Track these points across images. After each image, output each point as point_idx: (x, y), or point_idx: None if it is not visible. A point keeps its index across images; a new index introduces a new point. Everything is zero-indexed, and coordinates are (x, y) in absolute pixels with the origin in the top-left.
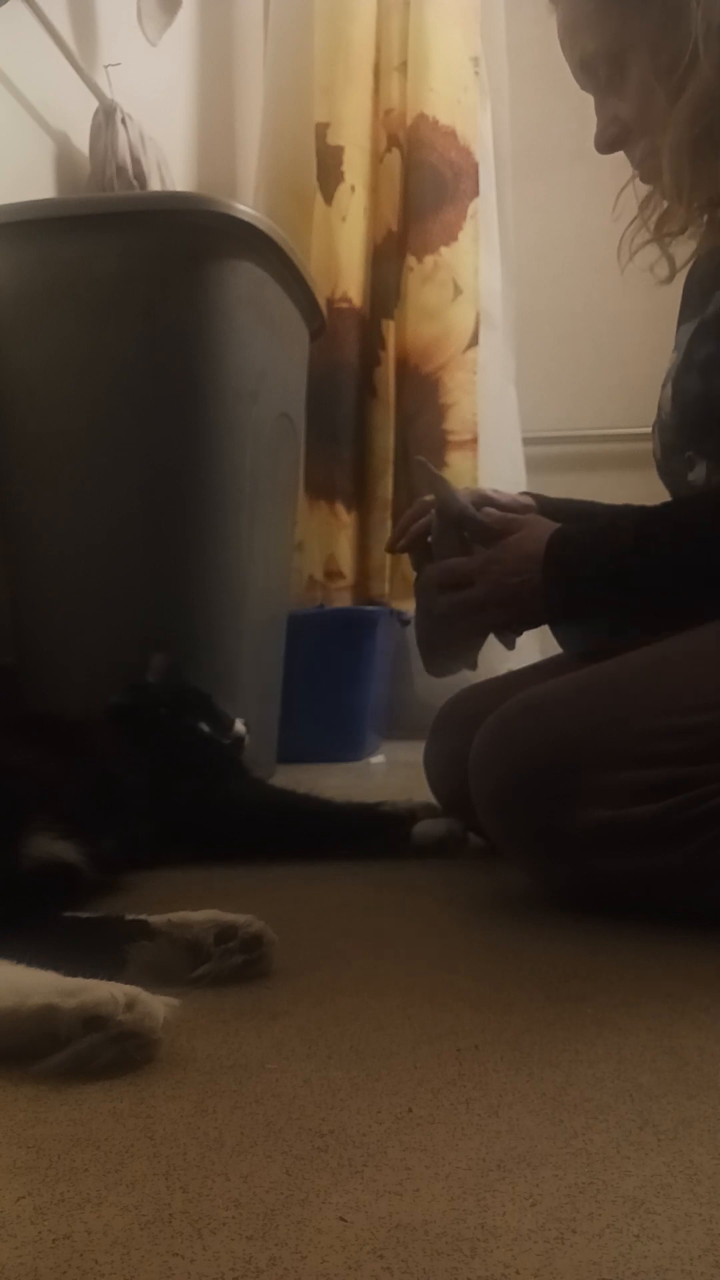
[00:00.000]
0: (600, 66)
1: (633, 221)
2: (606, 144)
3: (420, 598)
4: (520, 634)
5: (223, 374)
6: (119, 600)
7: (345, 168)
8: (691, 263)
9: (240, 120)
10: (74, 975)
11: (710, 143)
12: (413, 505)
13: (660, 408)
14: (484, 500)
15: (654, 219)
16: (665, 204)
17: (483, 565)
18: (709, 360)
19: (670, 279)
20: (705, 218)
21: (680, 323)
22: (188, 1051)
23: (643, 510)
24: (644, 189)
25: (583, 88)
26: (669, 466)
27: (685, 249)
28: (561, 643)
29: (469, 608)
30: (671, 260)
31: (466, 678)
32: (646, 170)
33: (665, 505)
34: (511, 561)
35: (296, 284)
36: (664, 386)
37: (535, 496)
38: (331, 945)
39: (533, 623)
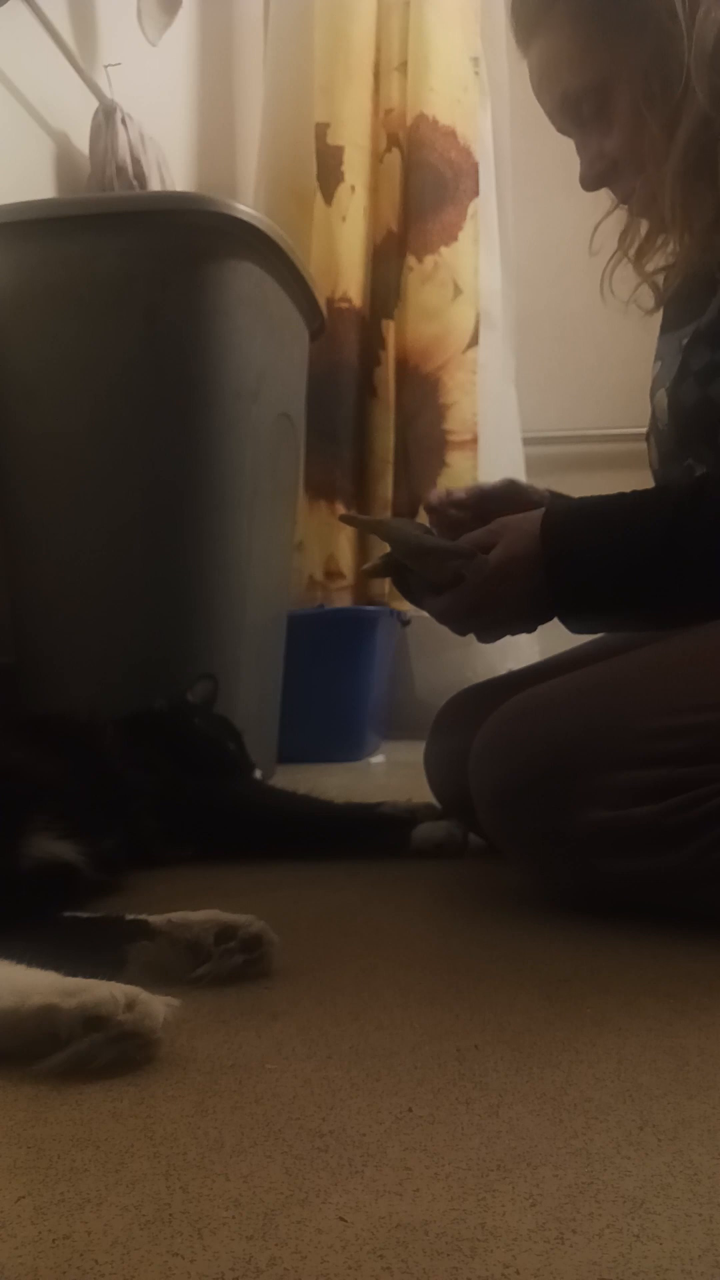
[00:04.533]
0: (584, 103)
1: (614, 255)
2: (594, 180)
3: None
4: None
5: (223, 374)
6: (119, 600)
7: (345, 168)
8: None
9: (240, 120)
10: (74, 975)
11: (702, 171)
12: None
13: (654, 417)
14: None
15: (633, 250)
16: (644, 233)
17: (486, 578)
18: (706, 369)
19: (657, 308)
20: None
21: (663, 332)
22: (188, 1051)
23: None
24: (620, 221)
25: (561, 130)
26: (667, 474)
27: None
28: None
29: (462, 610)
30: (656, 288)
31: (466, 677)
32: (639, 202)
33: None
34: (507, 554)
35: (296, 284)
36: (653, 395)
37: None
38: (331, 945)
39: (530, 606)
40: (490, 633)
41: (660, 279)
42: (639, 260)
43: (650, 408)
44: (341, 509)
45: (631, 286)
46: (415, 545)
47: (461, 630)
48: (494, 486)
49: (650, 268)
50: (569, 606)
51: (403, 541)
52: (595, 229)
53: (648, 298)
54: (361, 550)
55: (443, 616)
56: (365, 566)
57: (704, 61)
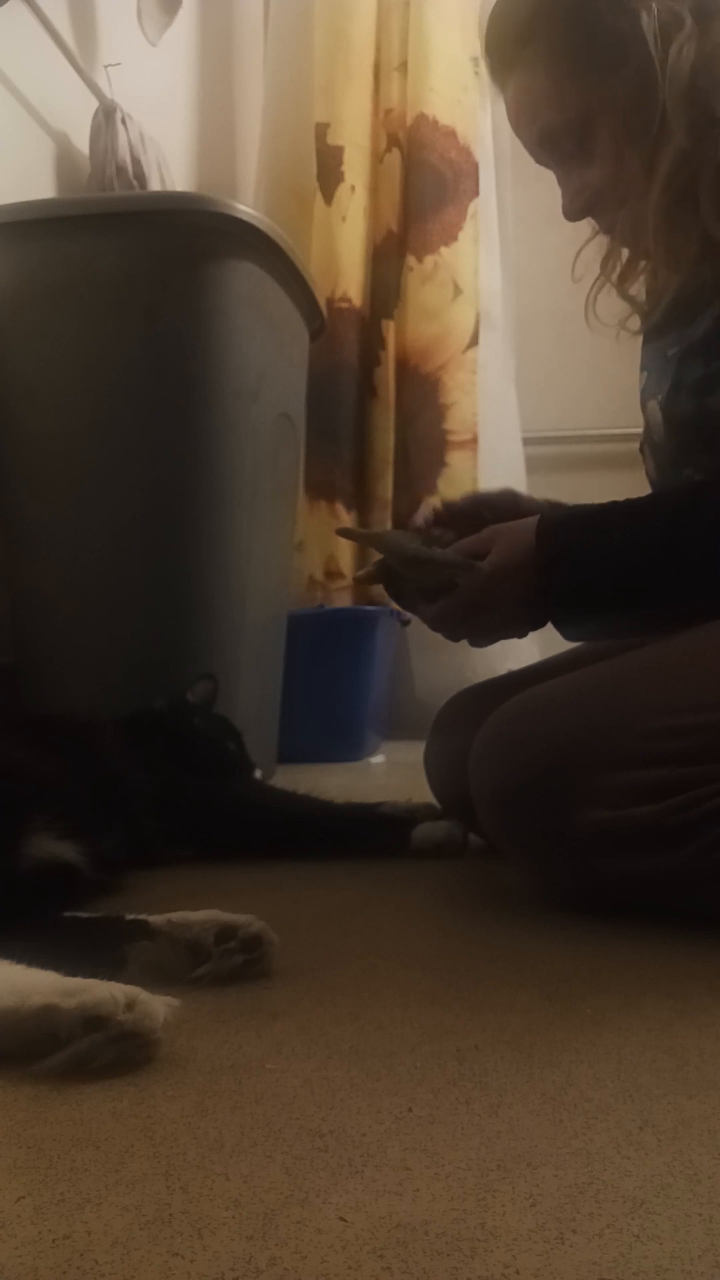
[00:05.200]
0: (563, 139)
1: (596, 280)
2: (577, 212)
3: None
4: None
5: (223, 374)
6: (119, 600)
7: (345, 168)
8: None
9: (240, 120)
10: (74, 975)
11: (685, 204)
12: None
13: (650, 429)
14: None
15: (615, 274)
16: (625, 258)
17: (482, 584)
18: (700, 382)
19: (643, 330)
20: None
21: (646, 341)
22: (188, 1051)
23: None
24: (601, 245)
25: (540, 163)
26: (665, 485)
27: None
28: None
29: (457, 616)
30: (642, 311)
31: (466, 677)
32: (623, 233)
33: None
34: (502, 559)
35: (296, 284)
36: (644, 406)
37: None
38: (331, 945)
39: (524, 611)
40: (484, 638)
41: (644, 300)
42: (622, 285)
43: (643, 418)
44: (341, 509)
45: (615, 304)
46: (410, 556)
47: (455, 636)
48: (492, 494)
49: (633, 291)
50: (568, 606)
51: (398, 553)
52: (577, 256)
53: (636, 322)
54: (361, 550)
55: (436, 623)
56: (359, 574)
57: (680, 97)
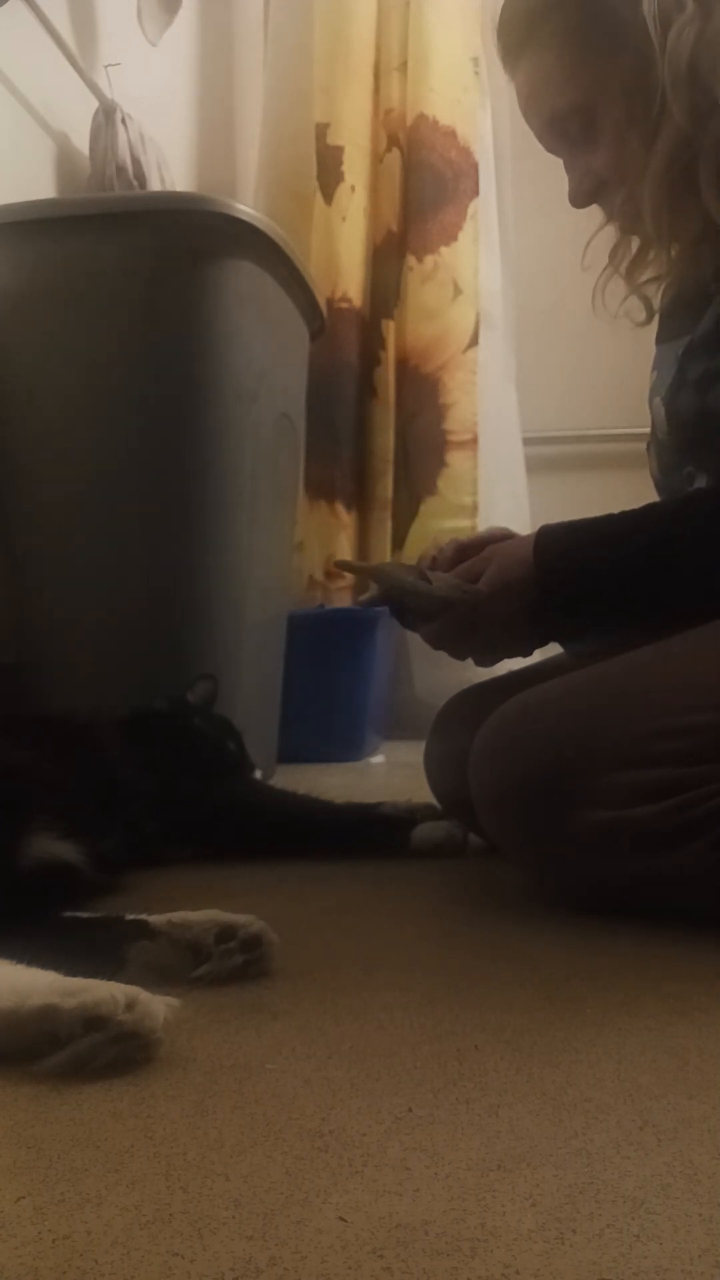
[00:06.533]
0: (571, 122)
1: (605, 269)
2: (583, 197)
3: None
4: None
5: (223, 374)
6: (119, 600)
7: (345, 168)
8: (666, 284)
9: (240, 120)
10: (74, 975)
11: (685, 186)
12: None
13: (654, 427)
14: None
15: (625, 264)
16: (635, 249)
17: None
18: (703, 377)
19: (648, 321)
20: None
21: (659, 343)
22: (188, 1051)
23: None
24: (612, 235)
25: (549, 149)
26: (668, 484)
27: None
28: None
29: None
30: (648, 302)
31: (466, 677)
32: (624, 218)
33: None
34: (500, 577)
35: (296, 284)
36: (650, 403)
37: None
38: (331, 945)
39: (524, 625)
40: (486, 656)
41: (652, 292)
42: (630, 276)
43: (650, 417)
44: (341, 509)
45: (622, 295)
46: (409, 590)
47: (458, 655)
48: (496, 532)
49: (642, 282)
50: (567, 614)
51: (394, 586)
52: (587, 245)
53: (638, 311)
54: (362, 552)
55: (438, 642)
56: (361, 598)
57: (679, 79)
